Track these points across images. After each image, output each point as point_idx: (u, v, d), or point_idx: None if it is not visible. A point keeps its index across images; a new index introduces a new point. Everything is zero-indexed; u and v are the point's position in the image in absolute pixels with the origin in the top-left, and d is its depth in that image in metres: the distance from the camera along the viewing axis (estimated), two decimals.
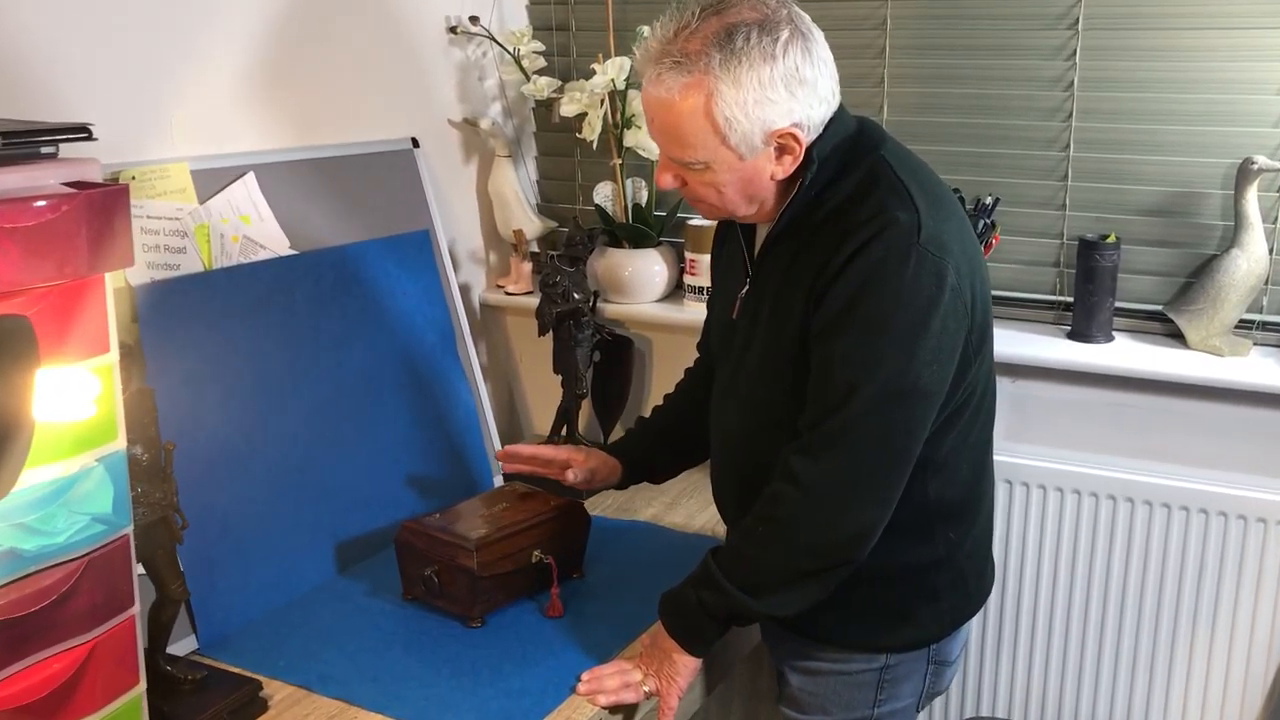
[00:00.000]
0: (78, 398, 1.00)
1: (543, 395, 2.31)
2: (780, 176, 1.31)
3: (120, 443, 1.10)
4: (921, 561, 1.42)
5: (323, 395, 1.75)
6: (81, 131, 1.06)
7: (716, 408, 1.52)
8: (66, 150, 1.06)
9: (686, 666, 1.40)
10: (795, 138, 1.28)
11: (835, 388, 1.28)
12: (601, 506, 1.98)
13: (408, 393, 1.90)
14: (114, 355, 1.08)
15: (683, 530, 1.90)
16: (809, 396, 1.31)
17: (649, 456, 1.69)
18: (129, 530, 1.11)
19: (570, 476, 1.61)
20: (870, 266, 1.26)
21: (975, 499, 1.47)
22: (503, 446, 1.80)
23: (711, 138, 1.27)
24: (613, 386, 2.19)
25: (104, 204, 1.01)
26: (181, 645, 1.48)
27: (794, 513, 1.30)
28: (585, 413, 2.21)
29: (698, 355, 1.72)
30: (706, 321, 1.69)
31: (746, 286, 1.43)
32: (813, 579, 1.33)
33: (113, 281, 1.43)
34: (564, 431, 2.13)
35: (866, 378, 1.26)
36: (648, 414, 1.77)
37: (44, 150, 1.03)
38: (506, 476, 2.05)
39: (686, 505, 1.99)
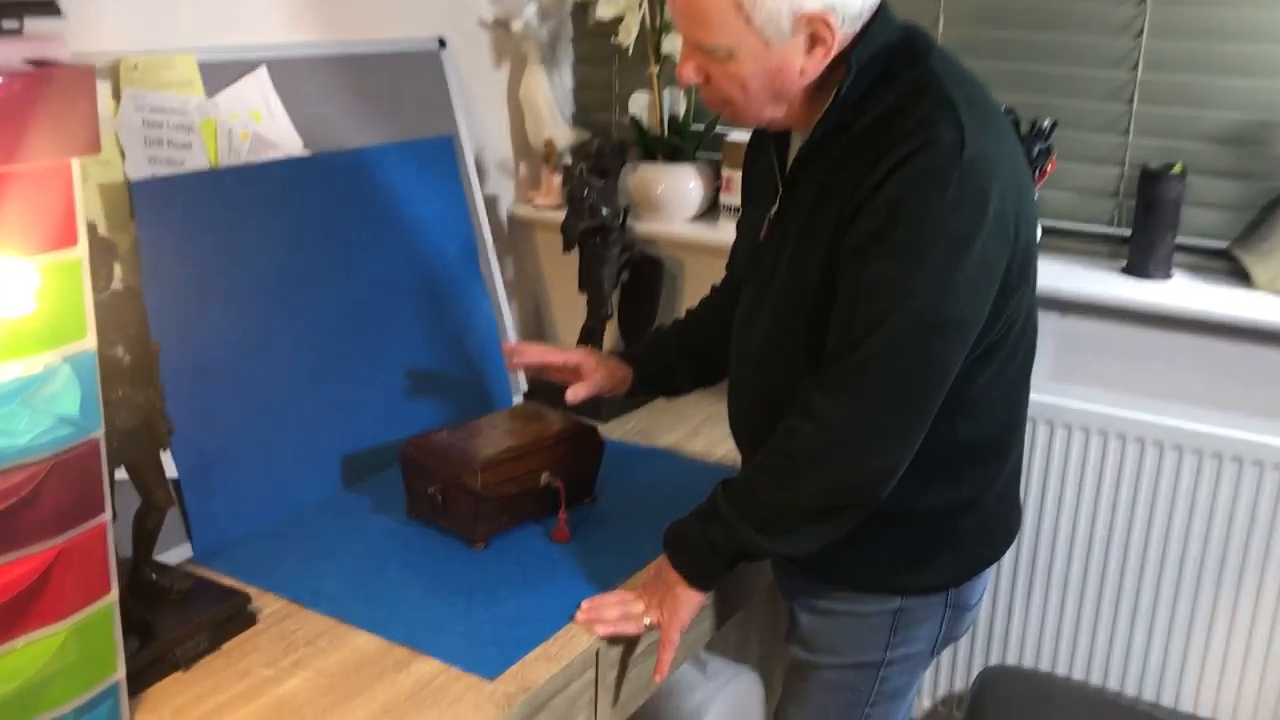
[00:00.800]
0: (14, 291, 0.94)
1: (570, 315, 2.24)
2: (810, 74, 1.21)
3: (88, 342, 1.04)
4: (945, 504, 1.33)
5: (334, 305, 1.68)
6: (47, 6, 0.98)
7: (739, 333, 1.44)
8: (34, 28, 0.99)
9: (690, 601, 1.33)
10: (827, 25, 1.17)
11: (863, 317, 1.19)
12: (620, 431, 1.91)
13: (425, 306, 1.83)
14: (82, 249, 1.02)
15: (702, 459, 1.82)
16: (834, 325, 1.22)
17: (665, 370, 1.62)
18: (99, 434, 1.06)
19: (571, 396, 1.53)
20: (908, 185, 1.16)
21: (1007, 440, 1.38)
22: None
23: (735, 17, 1.17)
24: (640, 309, 2.11)
25: (65, 84, 0.94)
26: (176, 554, 1.44)
27: (812, 450, 1.22)
28: (611, 335, 2.14)
29: (725, 274, 1.64)
30: (736, 241, 1.60)
31: (776, 206, 1.33)
32: (827, 519, 1.26)
33: (91, 171, 1.39)
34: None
35: (897, 307, 1.17)
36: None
37: (6, 26, 0.96)
38: (527, 395, 1.99)
39: (708, 433, 1.91)
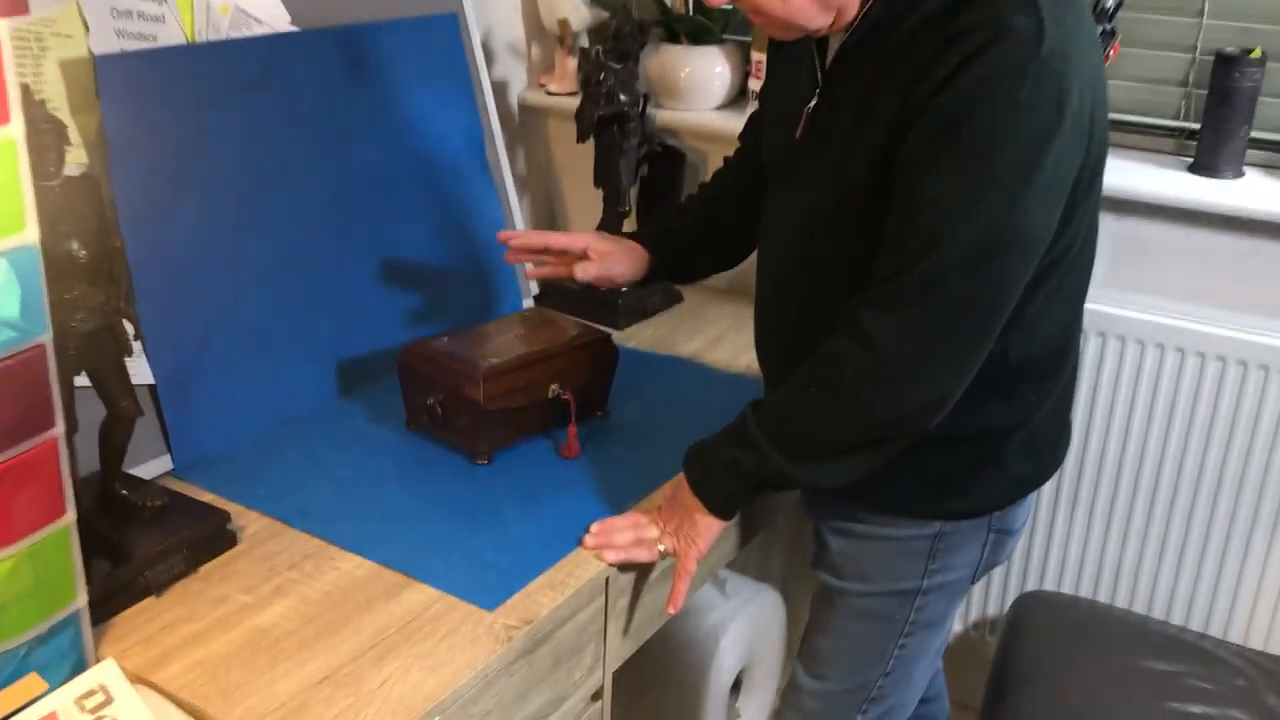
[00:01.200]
0: None
1: (586, 212, 2.09)
2: None
3: (28, 235, 0.91)
4: (991, 425, 1.21)
5: (325, 198, 1.55)
6: None
7: (769, 240, 1.29)
8: None
9: (709, 528, 1.22)
10: None
11: (921, 233, 1.05)
12: (636, 339, 1.78)
13: (426, 201, 1.69)
14: (15, 129, 0.88)
15: (724, 370, 1.70)
16: (887, 241, 1.09)
17: (684, 253, 1.48)
18: (46, 339, 0.94)
19: (580, 273, 1.39)
20: (976, 85, 1.01)
21: (1060, 357, 1.24)
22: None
23: None
24: (659, 201, 1.96)
25: None
26: (154, 467, 1.34)
27: (858, 377, 1.10)
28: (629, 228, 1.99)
29: (740, 146, 1.49)
30: (755, 115, 1.45)
31: (815, 100, 1.18)
32: (867, 450, 1.14)
33: (51, 45, 1.23)
34: None
35: (960, 223, 1.03)
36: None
37: None
38: (538, 299, 1.86)
39: (731, 342, 1.78)
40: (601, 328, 1.55)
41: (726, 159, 1.51)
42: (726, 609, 1.87)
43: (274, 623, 1.10)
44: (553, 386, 1.43)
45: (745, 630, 1.88)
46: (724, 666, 1.86)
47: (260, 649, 1.07)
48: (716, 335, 1.82)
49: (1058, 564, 1.85)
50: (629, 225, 1.93)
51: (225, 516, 1.21)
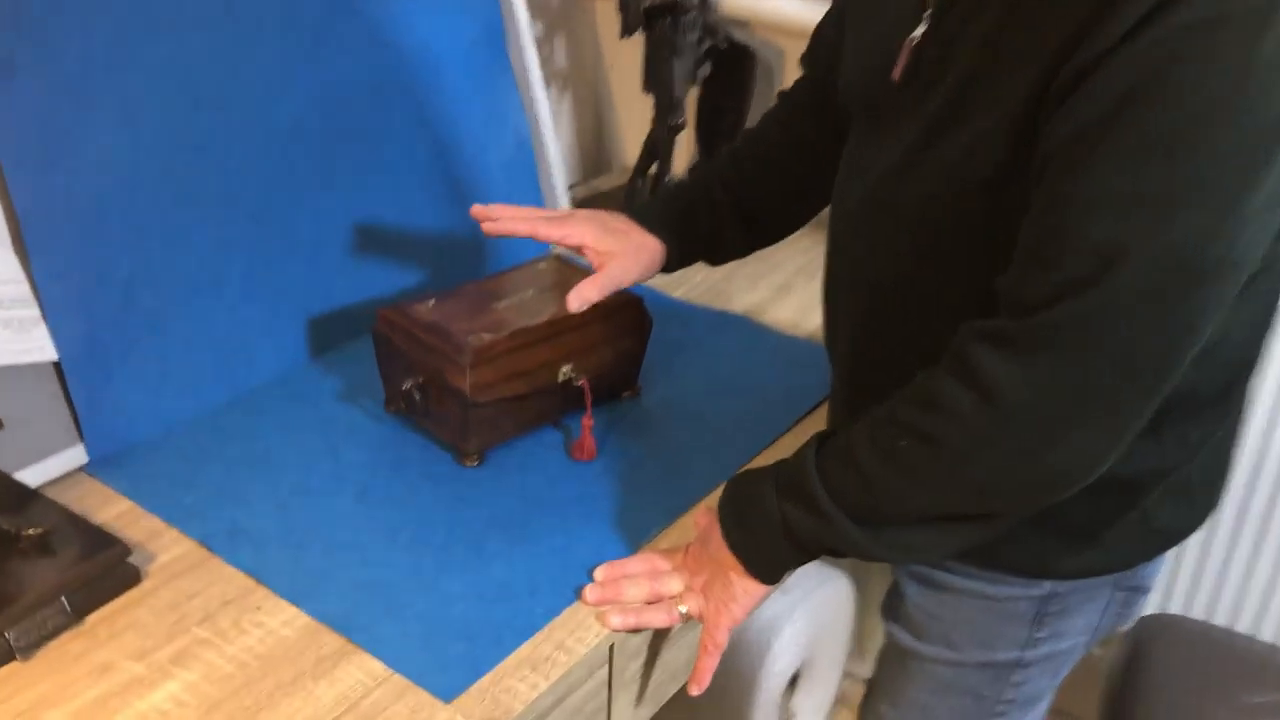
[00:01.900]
0: None
1: (641, 121, 1.74)
2: None
3: None
4: (1135, 470, 0.87)
5: (297, 110, 1.23)
6: None
7: (845, 207, 0.95)
8: None
9: (748, 594, 0.92)
10: None
11: (1078, 252, 0.71)
12: (686, 285, 1.46)
13: (427, 111, 1.36)
14: None
15: (791, 333, 1.37)
16: (1023, 252, 0.75)
17: (715, 234, 1.14)
18: None
19: (573, 302, 1.01)
20: (1182, 38, 0.66)
21: (1234, 389, 0.91)
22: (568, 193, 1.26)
23: None
24: (724, 116, 1.61)
25: None
26: (65, 460, 1.08)
27: (971, 438, 0.77)
28: (686, 148, 1.65)
29: (805, 74, 1.14)
30: (824, 28, 1.09)
31: (923, 30, 0.83)
32: (972, 523, 0.83)
33: None
34: (651, 172, 1.58)
35: (1142, 241, 0.69)
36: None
37: None
38: None
39: (800, 294, 1.45)
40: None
41: (782, 94, 1.15)
42: (784, 603, 1.58)
43: (165, 709, 0.84)
44: (564, 369, 1.13)
45: (805, 626, 1.60)
46: (778, 668, 1.58)
47: None
48: (783, 281, 1.49)
49: (1187, 585, 1.52)
50: (686, 140, 1.59)
51: (123, 550, 0.94)
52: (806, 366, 1.28)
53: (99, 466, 1.09)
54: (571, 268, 1.23)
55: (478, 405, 1.07)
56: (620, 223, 1.09)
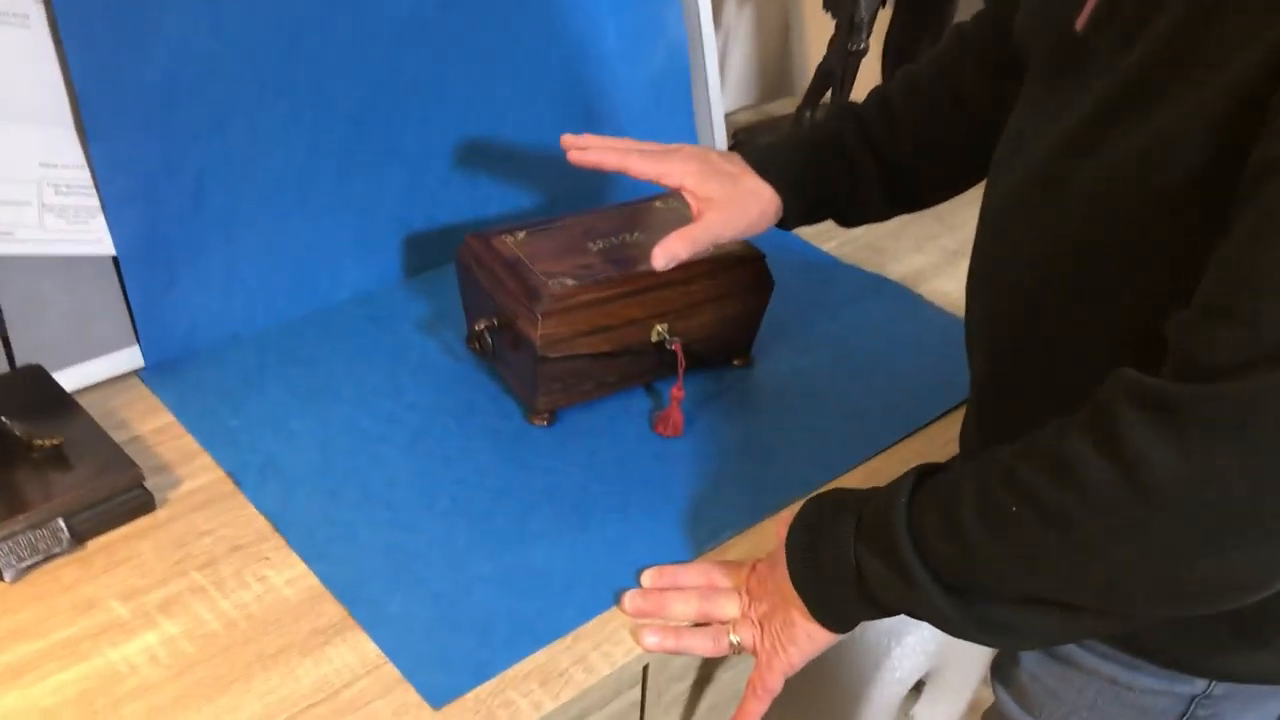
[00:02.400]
0: None
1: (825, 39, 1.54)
2: None
3: None
4: None
5: (402, 10, 1.11)
6: None
7: (1007, 176, 0.75)
8: None
9: (810, 639, 0.76)
10: None
11: None
12: (838, 239, 1.27)
13: (565, 12, 1.21)
14: None
15: (954, 312, 1.17)
16: (1212, 296, 0.55)
17: (846, 193, 0.95)
18: None
19: (660, 258, 0.84)
20: None
21: None
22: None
23: None
24: (919, 43, 1.39)
25: None
26: (118, 361, 1.01)
27: (1108, 526, 0.58)
28: (868, 76, 1.44)
29: (983, 9, 0.92)
30: None
31: None
32: (1099, 618, 0.65)
33: None
34: (824, 100, 1.39)
35: None
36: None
37: None
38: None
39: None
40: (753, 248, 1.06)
41: (957, 29, 0.94)
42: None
43: (136, 663, 0.76)
44: (658, 328, 0.98)
45: (933, 633, 1.42)
46: (898, 674, 1.41)
47: (90, 712, 0.73)
48: (957, 246, 1.28)
49: None
50: (871, 67, 1.38)
51: (136, 475, 0.86)
52: (962, 354, 1.09)
53: (153, 373, 1.01)
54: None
55: (549, 360, 0.94)
56: (731, 164, 0.92)
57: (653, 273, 0.96)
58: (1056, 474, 0.60)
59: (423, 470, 0.93)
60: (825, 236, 1.27)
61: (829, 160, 0.93)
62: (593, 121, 1.26)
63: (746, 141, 1.42)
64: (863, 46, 1.32)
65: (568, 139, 0.90)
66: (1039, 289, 0.69)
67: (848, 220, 0.98)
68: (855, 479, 0.95)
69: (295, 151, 1.06)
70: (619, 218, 1.05)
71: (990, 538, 0.64)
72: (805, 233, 1.27)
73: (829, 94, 1.38)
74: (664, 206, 1.08)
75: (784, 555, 0.76)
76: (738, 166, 0.91)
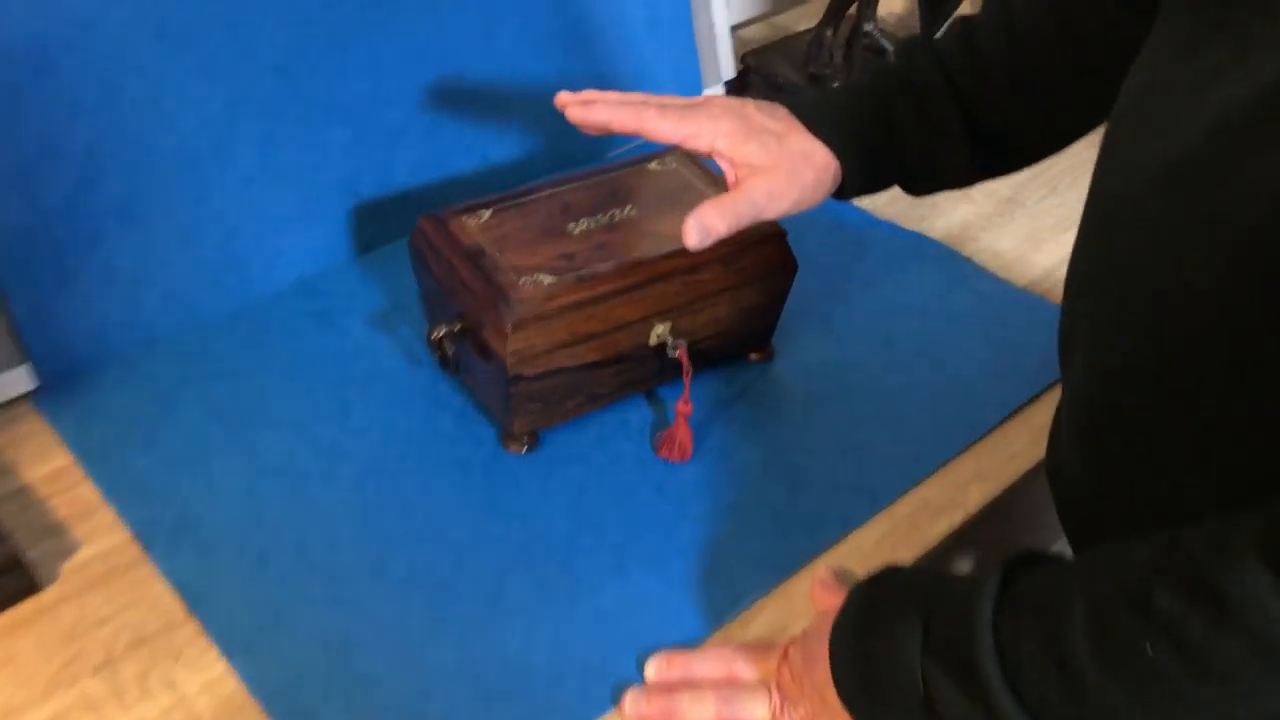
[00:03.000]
0: None
1: None
2: None
3: None
4: None
5: None
6: None
7: (1135, 148, 0.55)
8: None
9: None
10: None
11: None
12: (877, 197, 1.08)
13: None
14: None
15: (1008, 278, 0.98)
16: None
17: (922, 141, 0.75)
18: None
19: (692, 236, 0.67)
20: None
21: None
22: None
23: None
24: None
25: None
26: (3, 384, 0.83)
27: (1265, 664, 0.41)
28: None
29: None
30: None
31: None
32: None
33: None
34: (835, 31, 1.17)
35: None
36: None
37: None
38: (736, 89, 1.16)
39: (1036, 215, 1.04)
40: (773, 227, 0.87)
41: None
42: None
43: None
44: (658, 329, 0.79)
45: None
46: None
47: None
48: (1011, 194, 1.09)
49: None
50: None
51: (13, 552, 0.69)
52: (1031, 331, 0.91)
53: (48, 397, 0.83)
54: (700, 171, 0.88)
55: (524, 379, 0.76)
56: (775, 120, 0.73)
57: (650, 261, 0.78)
58: (1216, 613, 0.43)
59: (372, 523, 0.75)
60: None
61: (900, 112, 0.74)
62: (572, 50, 1.05)
63: (758, 68, 1.21)
64: None
65: (564, 96, 0.71)
66: (1186, 312, 0.51)
67: (918, 187, 0.79)
68: (905, 510, 0.78)
69: (209, 113, 0.86)
70: (605, 188, 0.86)
71: (1112, 681, 0.47)
72: None
73: (854, 7, 1.17)
74: (660, 169, 0.88)
75: (826, 653, 0.60)
76: (782, 123, 0.72)
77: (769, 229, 0.82)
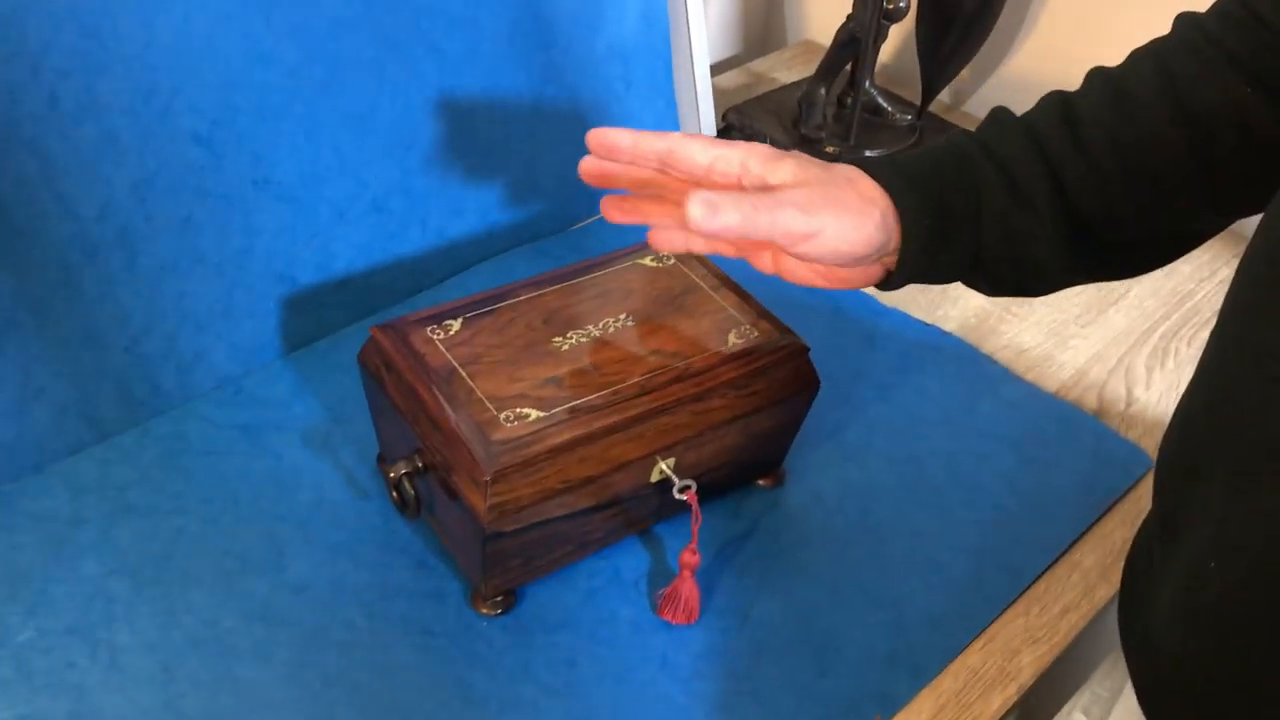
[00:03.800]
0: None
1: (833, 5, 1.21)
2: None
3: None
4: None
5: None
6: None
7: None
8: None
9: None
10: None
11: None
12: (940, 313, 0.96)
13: None
14: None
15: (1035, 381, 0.87)
16: None
17: (1008, 230, 0.61)
18: None
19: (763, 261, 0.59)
20: None
21: None
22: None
23: None
24: (951, 29, 1.05)
25: None
26: None
27: None
28: (898, 48, 1.12)
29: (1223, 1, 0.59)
30: None
31: None
32: None
33: None
34: (829, 89, 1.06)
35: None
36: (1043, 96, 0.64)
37: None
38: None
39: (1120, 362, 0.94)
40: (791, 331, 0.75)
41: (1184, 19, 0.61)
42: None
43: None
44: (662, 465, 0.67)
45: None
46: None
47: None
48: (1058, 323, 0.98)
49: None
50: (902, 37, 1.06)
51: None
52: (1068, 447, 0.80)
53: None
54: (707, 271, 0.75)
55: (503, 536, 0.62)
56: (835, 167, 0.60)
57: (655, 389, 0.65)
58: None
59: (315, 713, 0.61)
60: (907, 302, 0.96)
61: (979, 169, 0.61)
62: (540, 112, 0.92)
63: (741, 126, 1.09)
64: (903, 3, 0.99)
65: (593, 136, 0.59)
66: None
67: (992, 284, 0.63)
68: (952, 686, 0.66)
69: (115, 193, 0.71)
70: (593, 289, 0.73)
71: None
72: None
73: (850, 64, 1.06)
74: (659, 266, 0.75)
75: None
76: (847, 169, 0.60)
77: (791, 344, 0.70)
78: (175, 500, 0.72)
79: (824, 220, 0.55)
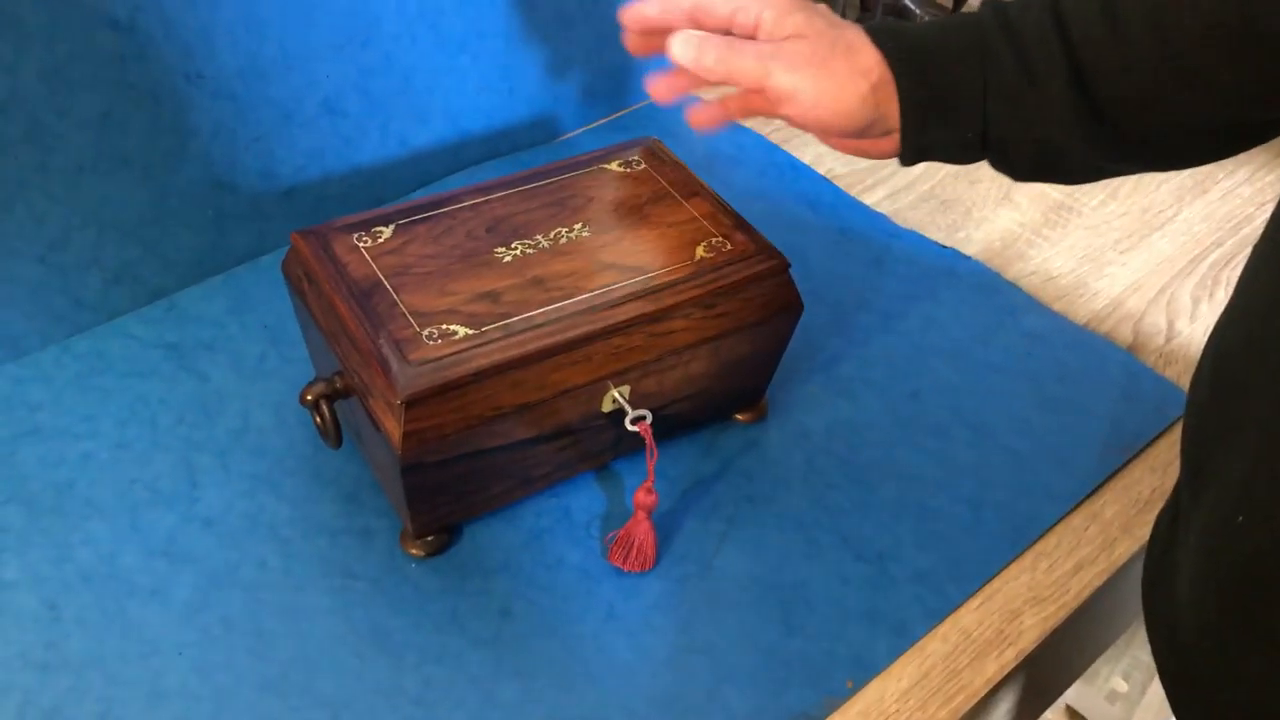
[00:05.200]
0: None
1: None
2: None
3: None
4: None
5: None
6: None
7: None
8: None
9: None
10: None
11: None
12: (886, 187, 0.87)
13: None
14: None
15: (1063, 312, 0.77)
16: None
17: (1023, 109, 0.53)
18: None
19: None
20: None
21: None
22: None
23: None
24: None
25: None
26: None
27: None
28: None
29: None
30: None
31: None
32: None
33: None
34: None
35: None
36: None
37: None
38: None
39: (1167, 288, 0.84)
40: (769, 242, 0.66)
41: None
42: None
43: None
44: (615, 392, 0.59)
45: None
46: None
47: None
48: (1062, 198, 0.88)
49: None
50: None
51: None
52: (1095, 384, 0.71)
53: None
54: (681, 176, 0.66)
55: (425, 467, 0.55)
56: (844, 29, 0.55)
57: (605, 305, 0.57)
58: None
59: (211, 663, 0.55)
60: (870, 181, 0.87)
61: (988, 33, 0.54)
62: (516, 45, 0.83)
63: None
64: None
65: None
66: None
67: (1017, 164, 0.56)
68: (940, 648, 0.58)
69: (22, 82, 0.64)
70: (548, 196, 0.64)
71: None
72: (841, 177, 0.86)
73: None
74: (626, 171, 0.67)
75: None
76: (852, 32, 0.55)
77: (766, 259, 0.61)
78: (87, 423, 0.65)
79: (803, 81, 0.52)
